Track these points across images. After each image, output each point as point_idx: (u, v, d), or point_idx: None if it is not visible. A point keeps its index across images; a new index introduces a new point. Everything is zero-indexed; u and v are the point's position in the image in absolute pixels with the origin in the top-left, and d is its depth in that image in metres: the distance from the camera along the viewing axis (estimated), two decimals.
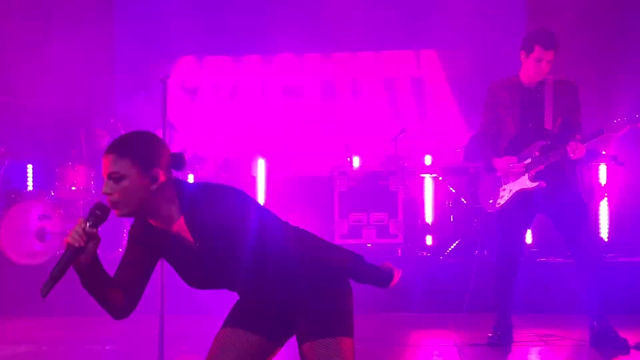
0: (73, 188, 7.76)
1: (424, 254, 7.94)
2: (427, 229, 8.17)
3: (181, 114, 9.65)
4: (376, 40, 9.51)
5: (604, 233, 7.42)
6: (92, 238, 2.65)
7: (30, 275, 7.14)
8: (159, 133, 5.42)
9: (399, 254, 7.78)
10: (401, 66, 9.70)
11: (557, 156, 5.20)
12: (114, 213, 2.70)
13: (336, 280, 2.98)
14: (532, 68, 5.33)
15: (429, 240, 8.09)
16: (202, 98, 9.91)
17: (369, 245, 7.77)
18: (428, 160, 8.47)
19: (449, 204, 8.29)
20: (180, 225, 2.81)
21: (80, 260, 2.66)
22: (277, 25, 9.37)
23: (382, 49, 9.67)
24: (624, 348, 5.18)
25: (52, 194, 7.82)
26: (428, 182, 8.21)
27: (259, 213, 2.91)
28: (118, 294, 2.81)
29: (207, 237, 2.80)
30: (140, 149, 2.75)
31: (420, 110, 9.58)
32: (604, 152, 7.39)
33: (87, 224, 2.65)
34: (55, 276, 2.61)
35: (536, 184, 5.30)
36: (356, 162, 8.57)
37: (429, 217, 8.20)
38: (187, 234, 2.81)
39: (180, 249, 2.86)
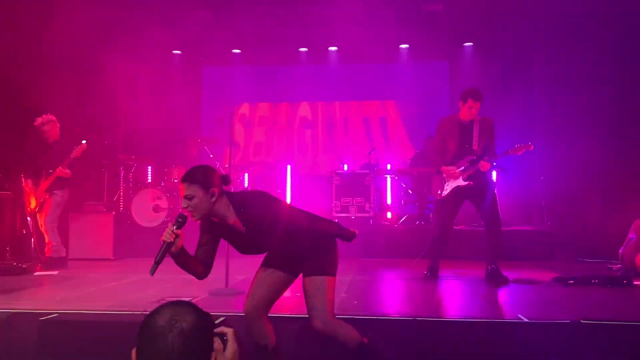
0: (175, 180, 7.76)
1: (386, 223, 7.92)
2: (388, 208, 8.14)
3: (241, 137, 9.64)
4: (359, 94, 9.49)
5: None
6: (178, 236, 2.68)
7: (148, 233, 7.18)
8: (227, 148, 5.44)
9: (371, 223, 7.75)
10: (373, 110, 9.65)
11: (476, 168, 5.18)
12: (191, 219, 2.73)
13: (327, 240, 3.01)
14: (467, 112, 5.27)
15: (389, 215, 8.07)
16: (254, 128, 9.87)
17: (353, 217, 7.74)
18: (388, 166, 8.45)
19: (401, 193, 8.27)
20: (235, 221, 2.85)
21: (172, 250, 2.69)
22: (298, 84, 9.37)
23: (362, 99, 9.63)
24: (506, 282, 5.17)
25: (162, 184, 7.81)
26: (389, 180, 8.19)
27: (281, 205, 2.97)
28: (199, 265, 2.85)
29: (251, 226, 2.84)
30: (201, 177, 2.79)
31: (385, 136, 9.55)
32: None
33: (174, 227, 2.68)
34: (158, 261, 2.67)
35: (466, 182, 5.26)
36: (346, 167, 8.56)
37: (389, 201, 8.18)
38: (239, 225, 2.85)
39: (234, 234, 2.90)
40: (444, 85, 9.03)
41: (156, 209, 7.42)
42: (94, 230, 6.95)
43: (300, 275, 3.03)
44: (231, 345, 1.42)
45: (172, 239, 2.68)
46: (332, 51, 9.31)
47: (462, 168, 5.27)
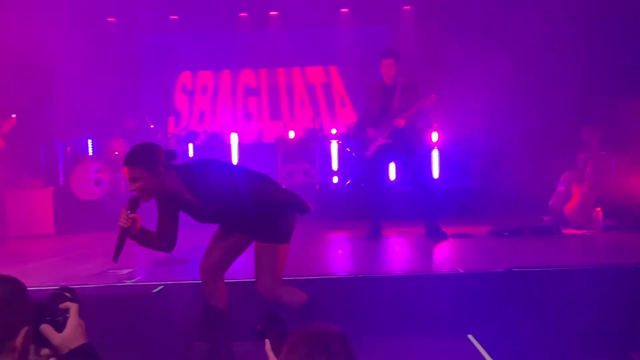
0: (116, 153, 7.47)
1: (332, 187, 7.92)
2: (334, 173, 8.12)
3: (183, 106, 9.35)
4: (302, 60, 9.33)
5: (435, 171, 7.45)
6: (135, 219, 2.63)
7: (91, 207, 6.93)
8: (168, 118, 5.24)
9: (317, 188, 7.73)
10: (316, 76, 9.54)
11: (393, 126, 5.20)
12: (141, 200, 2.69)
13: (282, 208, 2.94)
14: (385, 71, 5.29)
15: (335, 179, 8.05)
16: (196, 96, 9.58)
17: (299, 183, 7.68)
18: (333, 131, 8.40)
19: (346, 157, 8.25)
20: (188, 194, 2.77)
21: (131, 233, 2.64)
22: (241, 51, 9.11)
23: (305, 65, 9.49)
24: (445, 237, 5.29)
25: (103, 156, 7.52)
26: (334, 144, 8.12)
27: (236, 174, 2.89)
28: (163, 239, 2.82)
29: (206, 197, 2.76)
30: (144, 157, 2.68)
31: (328, 102, 9.48)
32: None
33: (129, 212, 2.60)
34: (118, 248, 2.66)
35: (385, 140, 5.28)
36: (291, 134, 8.46)
37: (334, 166, 8.15)
38: (192, 199, 2.76)
39: (190, 205, 2.82)
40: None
41: (97, 182, 7.13)
42: (32, 206, 6.63)
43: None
44: (70, 321, 1.32)
45: (130, 224, 2.60)
46: (272, 16, 9.07)
47: (382, 128, 5.32)
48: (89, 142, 7.79)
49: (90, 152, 7.72)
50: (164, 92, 6.00)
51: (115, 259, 2.65)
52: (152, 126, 7.80)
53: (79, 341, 1.33)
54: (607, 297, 3.49)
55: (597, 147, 5.88)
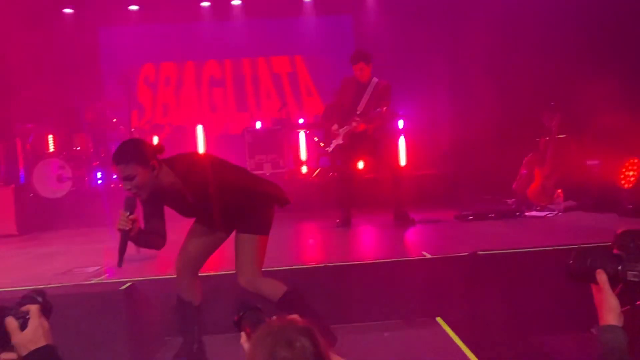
0: (78, 148, 7.29)
1: (300, 177, 7.91)
2: (302, 163, 8.11)
3: (146, 99, 9.17)
4: (267, 50, 9.25)
5: (402, 158, 7.49)
6: (134, 220, 2.57)
7: (55, 204, 6.76)
8: (131, 111, 5.15)
9: (286, 178, 7.71)
10: (282, 66, 9.48)
11: (352, 129, 5.23)
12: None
13: (263, 200, 2.95)
14: (357, 74, 5.30)
15: (304, 169, 8.04)
16: (159, 89, 9.40)
17: (268, 174, 7.64)
18: (301, 120, 8.38)
19: (314, 147, 8.25)
20: (182, 188, 2.73)
21: (131, 235, 2.58)
22: (204, 42, 8.97)
23: (271, 55, 9.41)
24: (412, 223, 5.37)
25: (65, 152, 7.32)
26: (301, 134, 8.11)
27: (224, 168, 2.91)
28: (156, 237, 2.76)
29: (198, 192, 2.73)
30: (136, 153, 2.61)
31: (295, 92, 9.44)
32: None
33: (128, 214, 2.53)
34: (121, 252, 2.60)
35: (342, 141, 5.33)
36: (258, 124, 8.40)
37: (303, 156, 8.14)
38: (186, 193, 2.74)
39: (179, 200, 2.79)
40: (349, 39, 8.98)
41: (60, 178, 6.95)
42: None
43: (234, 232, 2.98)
44: (32, 323, 1.32)
45: (130, 226, 2.55)
46: (235, 5, 8.95)
47: (344, 127, 5.33)
48: (50, 138, 7.59)
49: (52, 149, 7.52)
50: (126, 85, 5.88)
51: (120, 264, 2.61)
52: (114, 120, 7.64)
53: (40, 342, 1.31)
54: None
55: (557, 131, 6.05)
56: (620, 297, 1.37)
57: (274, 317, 1.40)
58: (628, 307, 1.42)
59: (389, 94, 5.32)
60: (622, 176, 5.42)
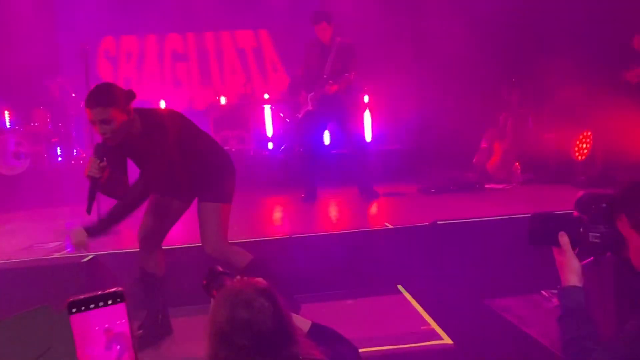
0: (36, 124, 7.09)
1: (266, 153, 7.91)
2: (268, 139, 8.10)
3: (107, 74, 8.94)
4: (230, 23, 9.11)
5: (368, 133, 7.55)
6: (104, 168, 2.53)
7: (13, 181, 6.58)
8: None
9: (252, 154, 7.70)
10: (247, 40, 9.37)
11: (323, 91, 5.18)
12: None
13: (225, 167, 2.99)
14: (318, 35, 5.25)
15: (270, 145, 8.03)
16: (120, 63, 9.17)
17: (233, 150, 7.59)
18: (266, 96, 8.34)
19: (280, 122, 8.24)
20: (149, 138, 2.69)
21: (100, 182, 2.55)
22: (165, 14, 8.75)
23: (235, 29, 9.28)
24: (376, 196, 5.45)
25: (22, 128, 7.11)
26: (267, 110, 8.06)
27: (195, 128, 2.92)
28: (119, 186, 2.70)
29: (161, 150, 2.71)
30: (113, 97, 2.56)
31: (260, 66, 9.36)
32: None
33: (99, 161, 2.51)
34: (91, 199, 2.55)
35: (313, 108, 5.31)
36: (223, 100, 8.32)
37: (269, 132, 8.12)
38: (156, 145, 2.69)
39: (143, 152, 2.73)
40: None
41: (17, 155, 6.77)
42: None
43: (195, 202, 2.98)
44: None
45: (101, 174, 2.52)
46: None
47: (313, 93, 5.29)
48: (6, 113, 7.34)
49: (8, 125, 7.28)
50: (85, 59, 5.72)
51: (88, 211, 2.55)
52: (73, 94, 7.45)
53: None
54: (522, 242, 3.78)
55: (516, 106, 6.22)
56: (579, 258, 1.42)
57: (236, 279, 1.43)
58: (591, 258, 1.47)
59: (354, 54, 5.25)
60: (576, 149, 5.64)
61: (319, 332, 1.49)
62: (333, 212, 5.26)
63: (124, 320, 0.92)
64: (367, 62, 5.80)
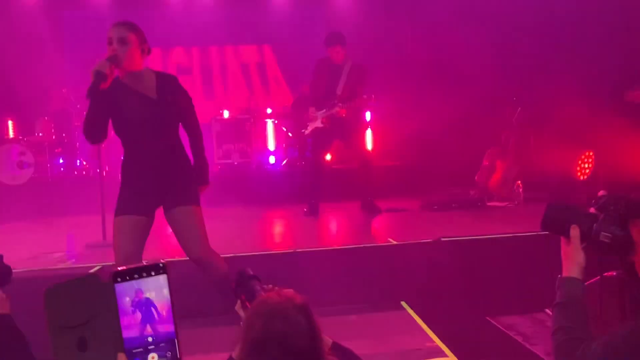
0: (40, 134, 7.13)
1: (268, 167, 7.93)
2: (270, 153, 8.13)
3: None
4: (235, 38, 9.19)
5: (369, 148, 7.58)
6: (111, 74, 2.53)
7: (16, 191, 6.59)
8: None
9: (254, 167, 7.72)
10: (250, 55, 9.45)
11: (332, 113, 5.26)
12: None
13: (190, 167, 2.93)
14: (332, 56, 5.32)
15: (272, 159, 8.06)
16: None
17: (236, 163, 7.64)
18: (269, 110, 8.39)
19: (282, 137, 8.28)
20: (152, 85, 2.72)
21: (100, 86, 2.51)
22: (171, 28, 8.83)
23: (239, 44, 9.38)
24: (379, 211, 5.48)
25: (26, 138, 7.15)
26: (269, 124, 8.12)
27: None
28: (103, 119, 2.68)
29: (164, 97, 2.75)
30: (137, 28, 2.71)
31: (263, 82, 9.44)
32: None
33: (109, 62, 2.54)
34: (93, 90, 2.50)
35: (322, 125, 5.36)
36: (226, 113, 8.37)
37: (271, 146, 8.16)
38: (152, 92, 2.72)
39: (136, 102, 2.72)
40: (318, 30, 9.00)
41: (21, 165, 6.79)
42: None
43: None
44: None
45: (108, 71, 2.50)
46: None
47: (323, 110, 5.35)
48: (10, 123, 7.38)
49: (11, 134, 7.32)
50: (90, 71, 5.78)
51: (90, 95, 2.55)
52: (78, 106, 7.49)
53: None
54: (527, 260, 3.80)
55: (518, 124, 6.27)
56: (588, 255, 1.42)
57: (271, 288, 1.44)
58: (598, 277, 1.49)
59: (365, 76, 5.36)
60: (578, 168, 5.67)
61: (339, 351, 1.50)
62: (335, 227, 5.27)
63: (165, 290, 0.96)
64: (371, 79, 5.85)
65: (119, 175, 2.91)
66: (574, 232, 1.42)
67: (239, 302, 1.56)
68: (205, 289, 3.18)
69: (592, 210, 1.45)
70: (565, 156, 5.81)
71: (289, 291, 1.36)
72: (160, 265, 0.97)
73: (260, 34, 9.12)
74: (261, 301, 1.34)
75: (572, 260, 1.42)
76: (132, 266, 0.97)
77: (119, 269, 0.96)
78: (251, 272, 1.61)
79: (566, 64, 6.30)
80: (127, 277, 0.95)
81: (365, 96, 5.23)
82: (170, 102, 2.77)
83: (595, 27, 6.13)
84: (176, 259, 3.50)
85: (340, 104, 5.21)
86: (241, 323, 1.37)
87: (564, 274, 1.43)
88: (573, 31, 6.41)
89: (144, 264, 0.97)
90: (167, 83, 2.79)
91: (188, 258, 2.91)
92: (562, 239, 1.46)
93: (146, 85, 2.74)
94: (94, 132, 2.65)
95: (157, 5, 8.74)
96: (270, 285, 1.41)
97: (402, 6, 8.15)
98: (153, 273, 0.96)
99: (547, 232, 1.49)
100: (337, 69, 5.34)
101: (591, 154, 5.51)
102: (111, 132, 2.84)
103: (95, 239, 4.48)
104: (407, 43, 7.97)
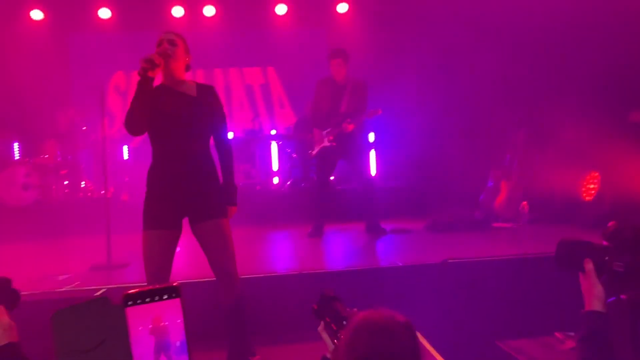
0: (45, 156, 7.17)
1: (272, 188, 7.95)
2: (274, 173, 8.16)
3: (117, 107, 9.08)
4: (239, 60, 9.30)
5: (373, 169, 7.64)
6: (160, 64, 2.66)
7: (20, 213, 6.60)
8: (101, 119, 5.12)
9: (258, 188, 7.74)
10: (254, 77, 9.54)
11: (340, 129, 5.30)
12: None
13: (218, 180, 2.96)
14: (334, 71, 5.38)
15: (275, 180, 8.09)
16: (130, 97, 9.29)
17: (240, 184, 7.64)
18: (273, 132, 8.44)
19: (286, 158, 8.31)
20: (192, 89, 2.86)
21: (149, 74, 2.63)
22: None
23: (243, 66, 9.47)
24: (384, 233, 5.48)
25: (31, 160, 7.18)
26: (274, 145, 8.17)
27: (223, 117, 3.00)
28: (145, 117, 2.75)
29: (203, 97, 2.86)
30: (184, 39, 2.92)
31: (267, 103, 9.51)
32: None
33: (159, 54, 2.69)
34: (148, 68, 2.62)
35: (330, 144, 5.39)
36: (230, 134, 8.42)
37: (275, 166, 8.19)
38: (192, 92, 2.84)
39: (175, 100, 2.81)
40: (322, 52, 9.11)
41: (26, 186, 6.81)
42: None
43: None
44: None
45: (158, 61, 2.64)
46: (208, 16, 8.99)
47: (329, 129, 5.40)
48: (16, 145, 7.43)
49: (17, 156, 7.37)
50: (96, 93, 5.84)
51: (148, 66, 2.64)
52: (84, 128, 7.55)
53: (2, 341, 1.27)
54: (534, 283, 3.77)
55: (522, 145, 6.28)
56: (606, 286, 1.43)
57: (355, 311, 1.42)
58: (614, 298, 1.50)
59: (367, 93, 5.44)
60: (583, 189, 5.66)
61: None
62: (340, 249, 5.25)
63: (179, 315, 0.92)
64: (374, 99, 5.90)
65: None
66: (588, 265, 1.45)
67: (322, 323, 1.53)
68: (211, 310, 3.16)
69: (604, 243, 1.46)
70: (571, 177, 5.80)
71: (387, 310, 1.32)
72: (174, 287, 0.93)
73: (264, 56, 9.23)
74: (363, 319, 1.28)
75: (591, 294, 1.44)
76: (144, 288, 0.92)
77: (131, 291, 0.92)
78: (332, 293, 1.58)
79: (570, 84, 6.33)
80: (139, 300, 0.91)
81: (371, 109, 5.27)
82: (207, 103, 2.86)
83: (599, 48, 6.16)
84: (184, 281, 3.49)
85: (348, 119, 5.24)
86: (330, 342, 1.36)
87: (586, 308, 1.45)
88: (577, 51, 6.45)
89: (157, 286, 0.92)
90: (208, 89, 2.94)
91: (214, 274, 2.88)
92: (580, 275, 1.47)
93: (187, 87, 2.88)
94: (135, 121, 2.70)
95: (162, 28, 8.83)
96: (355, 309, 1.39)
97: (407, 29, 8.24)
98: (166, 296, 0.92)
99: (562, 269, 1.50)
100: (339, 88, 5.40)
101: (597, 174, 5.50)
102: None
103: (100, 261, 4.47)
104: (411, 65, 8.02)
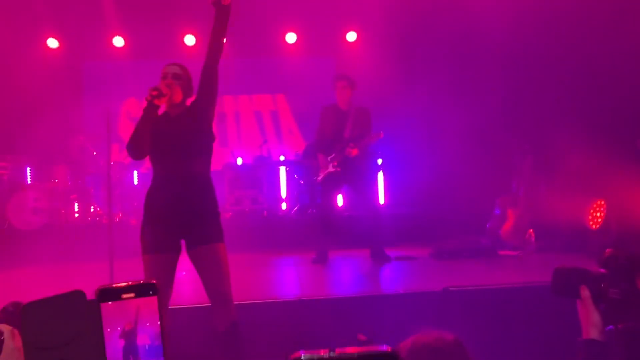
0: (56, 180, 7.31)
1: (280, 214, 7.99)
2: (282, 199, 8.21)
3: (128, 134, 9.24)
4: (249, 88, 9.46)
5: (381, 196, 7.67)
6: (165, 95, 2.85)
7: (30, 237, 6.69)
8: (111, 145, 5.24)
9: (265, 214, 7.78)
10: (264, 103, 9.70)
11: (344, 154, 5.35)
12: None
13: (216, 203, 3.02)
14: (339, 95, 5.48)
15: (283, 206, 8.13)
16: None
17: (247, 210, 7.72)
18: (281, 158, 8.53)
19: (294, 184, 8.37)
20: (184, 112, 3.00)
21: (155, 103, 2.82)
22: None
23: (253, 93, 9.63)
24: (388, 260, 5.47)
25: (42, 185, 7.33)
26: (282, 171, 8.24)
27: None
28: (147, 142, 2.89)
29: (198, 118, 3.01)
30: (189, 72, 3.08)
31: (276, 129, 9.64)
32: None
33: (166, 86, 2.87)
34: (155, 96, 2.84)
35: (334, 169, 5.45)
36: (239, 160, 8.54)
37: (283, 193, 8.24)
38: (187, 113, 2.99)
39: (172, 124, 2.97)
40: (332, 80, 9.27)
41: (35, 210, 6.94)
42: None
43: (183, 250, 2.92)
44: (6, 346, 1.26)
45: (165, 91, 2.81)
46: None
47: (333, 155, 5.46)
48: (27, 169, 7.60)
49: (29, 180, 7.53)
50: (107, 119, 5.98)
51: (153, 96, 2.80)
52: (94, 153, 7.70)
53: None
54: (539, 311, 3.73)
55: (529, 172, 6.28)
56: (604, 314, 1.44)
57: (426, 331, 1.45)
58: (612, 327, 1.49)
59: (371, 118, 5.53)
60: (590, 217, 5.63)
61: None
62: (344, 275, 5.25)
63: (155, 314, 0.87)
64: (383, 126, 5.95)
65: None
66: (585, 293, 1.46)
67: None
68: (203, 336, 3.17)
69: (601, 270, 1.48)
70: (577, 204, 5.78)
71: (434, 330, 1.36)
72: (151, 284, 0.88)
73: (274, 84, 9.39)
74: (416, 342, 1.32)
75: (589, 321, 1.44)
76: (120, 284, 0.87)
77: (106, 286, 0.87)
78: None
79: (577, 111, 6.35)
80: (115, 297, 0.86)
81: (374, 133, 5.32)
82: (196, 110, 3.01)
83: (606, 74, 6.20)
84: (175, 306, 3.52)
85: (351, 144, 5.29)
86: None
87: (583, 336, 1.45)
88: (584, 78, 6.49)
89: (134, 282, 0.88)
90: (194, 102, 3.07)
91: (209, 299, 2.89)
92: (577, 302, 1.48)
93: (183, 109, 3.00)
94: (136, 145, 2.84)
95: (173, 56, 9.01)
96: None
97: (415, 56, 8.36)
98: (143, 293, 0.87)
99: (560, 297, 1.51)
100: (343, 114, 5.48)
101: (603, 202, 5.48)
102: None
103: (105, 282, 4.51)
104: (419, 91, 8.11)
